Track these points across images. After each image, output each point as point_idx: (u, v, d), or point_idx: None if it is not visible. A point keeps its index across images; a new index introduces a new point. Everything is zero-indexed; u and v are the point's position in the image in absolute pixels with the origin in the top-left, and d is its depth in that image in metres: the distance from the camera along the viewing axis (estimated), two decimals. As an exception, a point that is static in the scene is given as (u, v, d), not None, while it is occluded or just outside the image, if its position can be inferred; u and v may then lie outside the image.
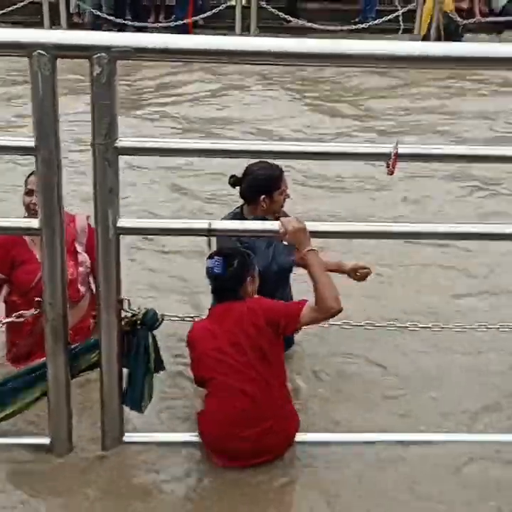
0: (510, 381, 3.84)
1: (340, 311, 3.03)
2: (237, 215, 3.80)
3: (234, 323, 3.15)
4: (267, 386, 3.14)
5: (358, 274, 3.96)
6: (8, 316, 3.57)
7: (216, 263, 3.18)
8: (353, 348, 4.08)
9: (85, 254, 3.80)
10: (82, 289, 3.79)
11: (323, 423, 3.51)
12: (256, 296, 3.32)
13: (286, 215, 3.83)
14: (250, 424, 3.13)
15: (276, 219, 3.58)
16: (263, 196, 3.73)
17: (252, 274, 3.28)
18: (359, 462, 3.23)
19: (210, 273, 3.22)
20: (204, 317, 3.37)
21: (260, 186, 3.74)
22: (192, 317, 3.37)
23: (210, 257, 3.21)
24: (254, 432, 3.13)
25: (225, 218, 3.78)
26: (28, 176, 3.71)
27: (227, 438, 3.14)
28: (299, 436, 3.27)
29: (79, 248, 3.78)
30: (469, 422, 3.55)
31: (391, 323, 3.97)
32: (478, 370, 3.94)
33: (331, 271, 3.55)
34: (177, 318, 3.34)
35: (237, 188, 3.82)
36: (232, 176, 3.82)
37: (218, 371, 3.16)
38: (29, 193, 3.66)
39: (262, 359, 3.13)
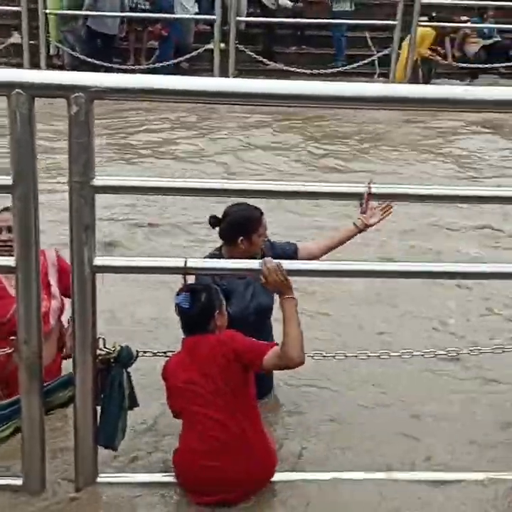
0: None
1: (302, 363, 3.09)
2: (216, 255, 3.80)
3: (205, 354, 3.18)
4: (237, 416, 3.15)
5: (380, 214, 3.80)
6: None
7: (183, 299, 3.21)
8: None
9: (57, 288, 3.79)
10: (52, 322, 3.78)
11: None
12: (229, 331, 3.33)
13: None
14: (222, 450, 3.13)
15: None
16: (241, 238, 3.74)
17: (220, 308, 3.32)
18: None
19: (178, 309, 3.26)
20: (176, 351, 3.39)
21: (239, 228, 3.75)
22: (165, 352, 3.36)
23: (178, 293, 3.24)
24: (227, 460, 3.13)
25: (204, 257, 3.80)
26: None
27: (200, 467, 3.14)
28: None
29: (52, 281, 3.78)
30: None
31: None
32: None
33: (348, 238, 3.84)
34: (150, 354, 3.33)
35: (217, 228, 3.84)
36: (213, 217, 3.83)
37: (189, 401, 3.18)
38: None
39: (232, 390, 3.15)
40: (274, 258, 3.59)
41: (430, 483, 3.33)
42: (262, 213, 3.81)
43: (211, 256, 3.80)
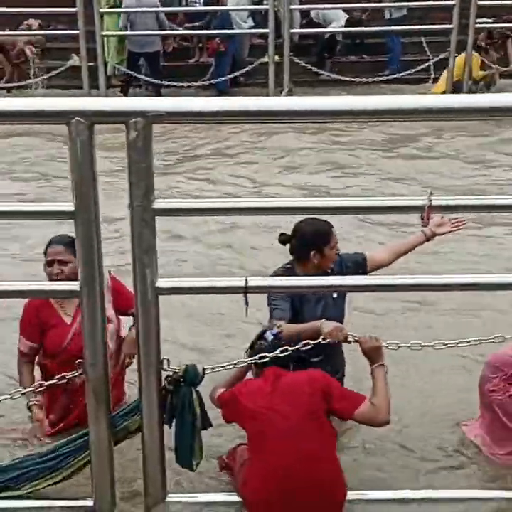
0: None
1: (387, 424, 3.27)
2: (289, 270, 3.83)
3: (292, 386, 3.23)
4: (315, 450, 3.15)
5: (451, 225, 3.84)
6: (43, 379, 3.64)
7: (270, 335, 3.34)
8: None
9: (112, 311, 3.83)
10: (110, 345, 3.82)
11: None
12: None
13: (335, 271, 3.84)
14: (297, 484, 3.10)
15: (327, 274, 3.72)
16: (313, 252, 3.75)
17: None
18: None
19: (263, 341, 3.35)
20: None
21: (310, 242, 3.77)
22: (234, 364, 3.33)
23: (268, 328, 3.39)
24: (301, 491, 3.10)
25: (275, 273, 3.81)
26: (47, 247, 3.77)
27: (275, 498, 3.11)
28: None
29: (106, 305, 3.83)
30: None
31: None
32: None
33: (416, 246, 3.91)
34: (220, 368, 3.30)
35: (287, 245, 3.85)
36: (282, 234, 3.85)
37: (269, 428, 3.17)
38: (50, 263, 3.72)
39: (313, 424, 3.17)
40: (345, 270, 3.68)
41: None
42: (331, 226, 3.81)
43: (284, 271, 3.82)
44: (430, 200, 2.86)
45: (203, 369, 3.16)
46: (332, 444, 3.25)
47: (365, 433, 3.80)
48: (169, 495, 3.21)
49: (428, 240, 3.89)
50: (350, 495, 3.20)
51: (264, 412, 3.19)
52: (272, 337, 3.35)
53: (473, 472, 3.64)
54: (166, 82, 11.65)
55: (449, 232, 3.85)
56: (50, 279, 3.73)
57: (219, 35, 11.98)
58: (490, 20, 11.74)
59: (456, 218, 3.83)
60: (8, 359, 4.26)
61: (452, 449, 3.78)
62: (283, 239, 3.85)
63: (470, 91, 11.17)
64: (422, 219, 2.93)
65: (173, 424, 3.11)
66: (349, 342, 3.40)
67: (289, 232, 3.85)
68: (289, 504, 3.12)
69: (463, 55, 11.21)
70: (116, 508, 3.18)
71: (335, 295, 3.92)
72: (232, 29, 12.11)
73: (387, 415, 3.22)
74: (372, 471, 3.65)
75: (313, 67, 11.94)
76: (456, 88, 11.09)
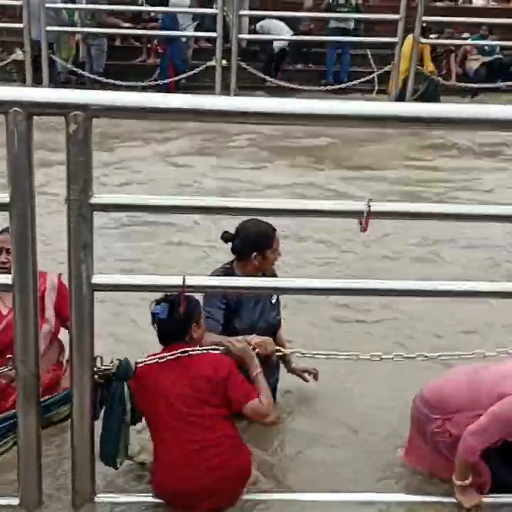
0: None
1: (274, 423, 3.48)
2: (227, 270, 3.82)
3: (199, 368, 3.21)
4: (215, 429, 3.20)
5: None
6: None
7: (161, 309, 3.24)
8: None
9: (52, 312, 3.79)
10: (41, 345, 3.76)
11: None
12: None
13: (275, 274, 3.87)
14: (199, 460, 3.15)
15: (265, 276, 3.75)
16: (255, 253, 3.75)
17: (198, 320, 3.34)
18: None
19: (154, 318, 3.28)
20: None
21: (253, 243, 3.77)
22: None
23: (157, 303, 3.26)
24: (203, 469, 3.14)
25: (214, 273, 3.81)
26: None
27: (179, 479, 3.14)
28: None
29: (48, 304, 3.77)
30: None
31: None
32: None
33: None
34: (152, 361, 3.27)
35: (229, 244, 3.85)
36: (225, 232, 3.85)
37: (170, 409, 3.19)
38: None
39: (212, 411, 3.21)
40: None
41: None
42: (274, 230, 3.81)
43: (223, 272, 3.81)
44: (369, 206, 2.89)
45: (136, 363, 3.14)
46: (229, 429, 3.26)
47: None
48: (98, 494, 3.17)
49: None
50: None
51: (164, 395, 3.18)
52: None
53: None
54: (110, 81, 11.52)
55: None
56: None
57: (159, 36, 12.07)
58: (434, 36, 11.97)
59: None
60: None
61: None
62: (226, 237, 3.84)
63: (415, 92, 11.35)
64: (361, 223, 2.96)
65: (101, 418, 3.09)
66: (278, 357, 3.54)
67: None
68: (192, 495, 3.15)
69: (410, 37, 11.14)
70: (43, 505, 3.13)
71: (274, 299, 3.94)
72: (177, 30, 12.08)
73: (273, 415, 3.34)
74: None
75: (260, 73, 11.99)
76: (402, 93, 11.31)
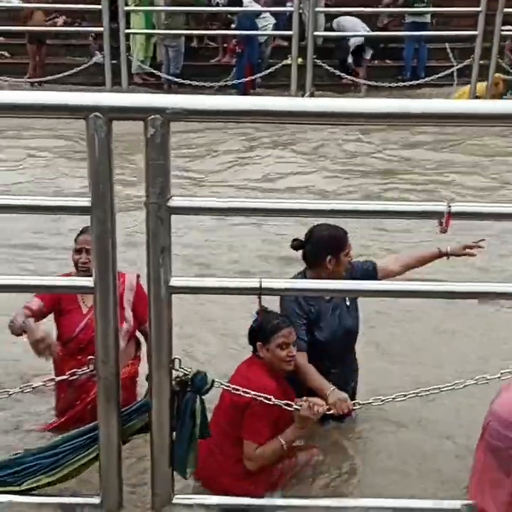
0: None
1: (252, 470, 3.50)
2: (301, 278, 3.74)
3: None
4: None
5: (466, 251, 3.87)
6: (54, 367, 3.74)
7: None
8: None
9: (130, 312, 3.85)
10: (121, 344, 3.81)
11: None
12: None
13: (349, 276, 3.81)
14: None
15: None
16: (329, 257, 3.68)
17: (269, 343, 3.47)
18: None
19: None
20: None
21: (326, 247, 3.70)
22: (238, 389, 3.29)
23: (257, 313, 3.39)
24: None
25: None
26: (78, 235, 3.80)
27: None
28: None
29: (126, 304, 3.83)
30: None
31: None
32: None
33: (429, 260, 3.90)
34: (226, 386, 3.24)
35: (300, 251, 3.80)
36: (295, 239, 3.79)
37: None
38: (79, 251, 3.76)
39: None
40: (357, 278, 3.61)
41: None
42: (346, 232, 3.75)
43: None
44: (450, 207, 2.82)
45: (213, 381, 3.08)
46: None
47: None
48: (177, 495, 3.19)
49: (441, 256, 3.85)
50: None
51: None
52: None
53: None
54: (186, 82, 11.65)
55: (464, 255, 3.84)
56: (76, 267, 3.80)
57: (238, 35, 12.02)
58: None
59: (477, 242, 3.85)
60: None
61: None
62: (296, 244, 3.78)
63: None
64: (441, 224, 2.88)
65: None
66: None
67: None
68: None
69: (484, 83, 11.02)
70: (123, 508, 3.17)
71: (348, 303, 3.87)
72: (255, 30, 12.09)
73: (256, 467, 3.45)
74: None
75: (336, 71, 11.89)
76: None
